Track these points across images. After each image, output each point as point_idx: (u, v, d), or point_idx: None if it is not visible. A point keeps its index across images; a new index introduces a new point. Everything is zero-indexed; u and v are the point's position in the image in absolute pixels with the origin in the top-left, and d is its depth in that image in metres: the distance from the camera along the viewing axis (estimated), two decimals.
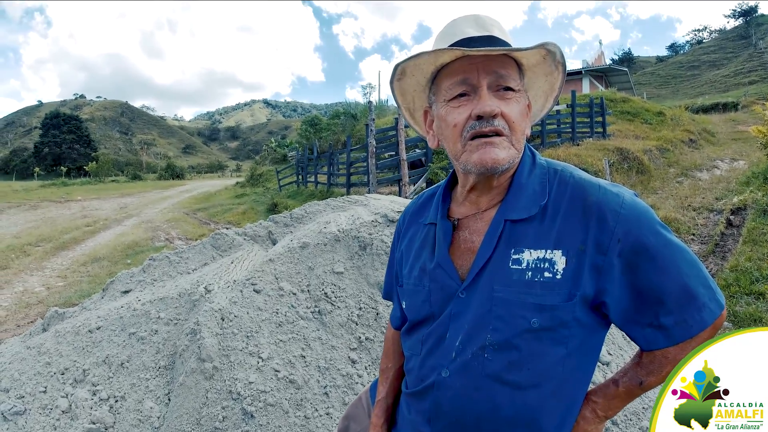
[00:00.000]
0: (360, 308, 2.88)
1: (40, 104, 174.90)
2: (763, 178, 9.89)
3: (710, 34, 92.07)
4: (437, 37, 1.13)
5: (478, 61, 1.02)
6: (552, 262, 0.99)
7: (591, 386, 1.14)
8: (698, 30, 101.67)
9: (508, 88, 1.04)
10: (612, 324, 1.08)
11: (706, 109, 33.41)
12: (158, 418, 2.40)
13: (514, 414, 1.02)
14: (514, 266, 1.01)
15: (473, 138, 1.02)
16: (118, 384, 2.59)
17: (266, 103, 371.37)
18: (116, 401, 2.52)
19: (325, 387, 2.48)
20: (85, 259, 10.75)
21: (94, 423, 2.39)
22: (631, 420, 2.67)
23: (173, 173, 57.95)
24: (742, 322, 4.48)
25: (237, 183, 34.15)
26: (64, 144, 70.28)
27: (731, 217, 8.35)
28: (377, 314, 2.88)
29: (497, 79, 1.03)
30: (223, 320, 2.62)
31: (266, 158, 43.93)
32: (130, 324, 2.89)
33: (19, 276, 9.29)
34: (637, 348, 1.12)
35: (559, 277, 0.98)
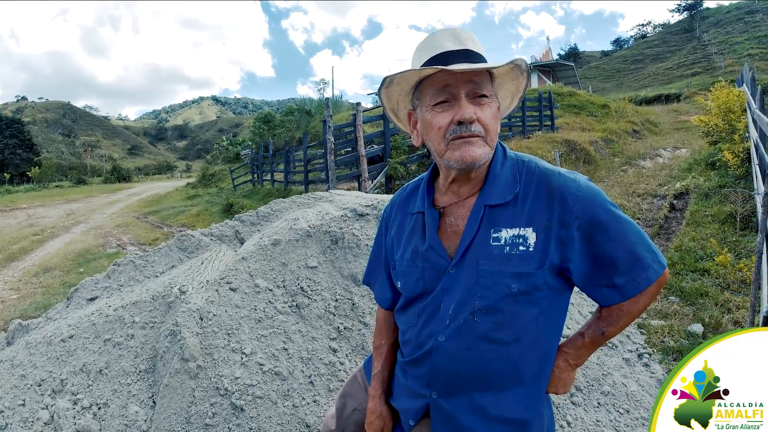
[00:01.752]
0: (336, 300, 2.97)
1: None
2: (704, 164, 10.45)
3: (654, 28, 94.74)
4: (418, 47, 1.30)
5: (457, 74, 1.19)
6: (525, 238, 1.20)
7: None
8: (642, 25, 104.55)
9: (483, 95, 1.22)
10: (572, 296, 1.25)
11: (649, 101, 34.71)
12: (145, 421, 2.41)
13: (501, 367, 1.22)
14: (495, 243, 1.22)
15: (455, 139, 1.20)
16: (99, 391, 2.58)
17: (215, 100, 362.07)
18: (99, 408, 2.50)
19: (309, 376, 2.56)
20: (36, 270, 10.35)
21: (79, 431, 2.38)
22: (593, 386, 2.87)
23: (120, 176, 55.80)
24: (689, 297, 4.80)
25: (188, 184, 33.20)
26: (6, 149, 66.11)
27: (674, 202, 8.81)
28: (353, 305, 2.97)
29: (473, 87, 1.21)
30: (202, 320, 2.65)
31: (218, 157, 42.95)
32: (104, 330, 2.87)
33: None
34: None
35: (531, 249, 1.19)
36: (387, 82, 1.28)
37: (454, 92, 1.20)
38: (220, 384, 2.40)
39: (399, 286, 1.39)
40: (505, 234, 1.21)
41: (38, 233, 15.60)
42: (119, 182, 52.06)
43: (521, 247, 1.19)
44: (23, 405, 2.50)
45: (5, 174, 57.07)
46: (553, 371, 1.30)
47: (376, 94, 1.35)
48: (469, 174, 1.26)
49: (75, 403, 2.53)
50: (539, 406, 1.28)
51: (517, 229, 1.20)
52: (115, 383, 2.61)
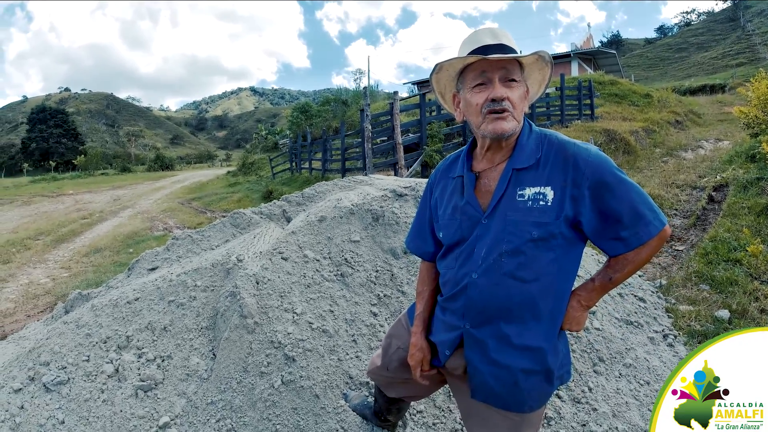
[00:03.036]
0: (376, 271, 3.25)
1: (25, 99, 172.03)
2: (745, 156, 10.23)
3: (698, 16, 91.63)
4: (463, 42, 1.61)
5: (493, 62, 1.49)
6: (544, 195, 1.46)
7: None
8: (687, 12, 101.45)
9: (512, 80, 1.50)
10: (587, 241, 1.55)
11: (693, 91, 33.78)
12: (206, 370, 2.73)
13: (523, 300, 1.48)
14: (520, 199, 1.49)
15: (489, 113, 1.49)
16: (162, 346, 2.88)
17: (253, 90, 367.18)
18: (163, 360, 2.80)
19: (353, 335, 2.85)
20: (86, 250, 10.70)
21: (143, 380, 2.67)
22: (615, 358, 3.06)
23: (163, 164, 57.48)
24: (720, 285, 4.86)
25: (228, 172, 34.09)
26: (51, 138, 69.04)
27: (713, 194, 8.69)
28: (392, 275, 3.24)
29: (505, 73, 1.50)
30: (258, 283, 2.96)
31: (257, 146, 43.80)
32: (168, 293, 3.18)
33: (22, 269, 9.22)
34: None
35: (549, 204, 1.45)
36: (438, 68, 1.59)
37: (490, 76, 1.49)
38: (275, 338, 2.71)
39: (441, 236, 1.68)
40: (529, 191, 1.47)
41: (86, 217, 16.14)
42: (162, 170, 53.56)
43: (541, 202, 1.45)
44: (87, 360, 2.77)
45: (51, 162, 59.34)
46: (567, 310, 1.54)
47: (413, 83, 1.64)
48: (501, 144, 1.54)
49: (140, 357, 2.82)
50: (554, 339, 1.54)
51: (539, 187, 1.46)
52: (178, 338, 2.92)
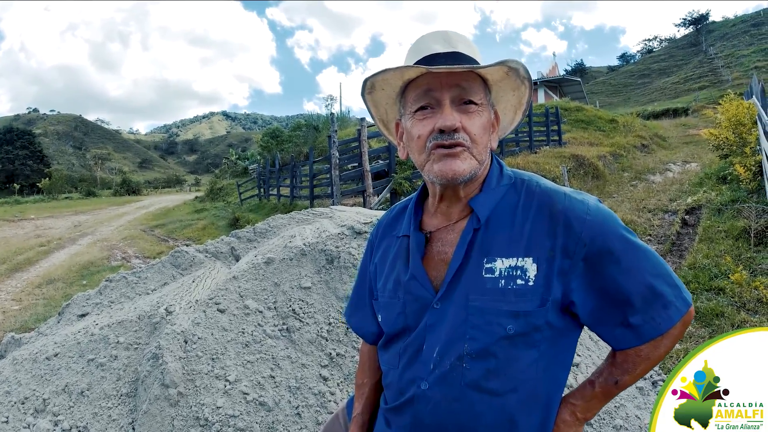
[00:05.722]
0: (330, 323, 2.80)
1: None
2: (715, 178, 10.27)
3: (660, 43, 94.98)
4: (409, 50, 1.15)
5: (442, 76, 1.04)
6: (524, 270, 1.02)
7: (567, 391, 1.15)
8: (648, 39, 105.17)
9: (471, 102, 1.06)
10: (584, 327, 1.11)
11: (657, 115, 34.74)
12: None
13: (495, 420, 1.03)
14: (488, 275, 1.03)
15: (436, 148, 1.04)
16: (79, 413, 2.50)
17: (225, 115, 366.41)
18: None
19: (296, 407, 2.38)
20: (39, 281, 10.42)
21: None
22: (604, 419, 2.69)
23: (129, 189, 56.54)
24: (704, 318, 4.61)
25: (196, 198, 33.48)
26: (17, 160, 67.48)
27: (686, 217, 8.63)
28: (348, 329, 2.81)
29: (460, 92, 1.05)
30: (186, 343, 2.52)
31: (226, 171, 43.14)
32: (89, 350, 2.79)
33: None
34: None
35: (531, 283, 1.01)
36: (368, 85, 1.14)
37: (437, 97, 1.05)
38: (201, 414, 2.25)
39: (380, 319, 1.22)
40: (501, 264, 1.03)
41: (44, 244, 15.76)
42: (129, 195, 52.61)
43: (519, 281, 1.01)
44: (6, 422, 2.46)
45: (15, 184, 57.87)
46: (557, 425, 1.10)
47: (361, 99, 1.20)
48: (457, 191, 1.10)
49: (56, 425, 2.45)
50: None
51: (515, 259, 1.03)
52: (96, 406, 2.52)
